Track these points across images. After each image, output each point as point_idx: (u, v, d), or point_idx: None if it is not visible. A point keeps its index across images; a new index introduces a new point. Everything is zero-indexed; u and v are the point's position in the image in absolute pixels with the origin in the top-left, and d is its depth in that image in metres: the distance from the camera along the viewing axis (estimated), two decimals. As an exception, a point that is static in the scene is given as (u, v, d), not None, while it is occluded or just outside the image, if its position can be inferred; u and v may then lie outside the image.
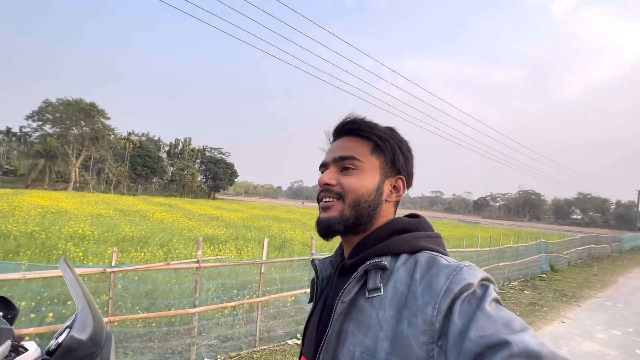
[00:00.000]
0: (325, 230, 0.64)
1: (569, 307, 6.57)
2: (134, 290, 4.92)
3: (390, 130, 0.69)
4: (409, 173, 0.70)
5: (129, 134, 64.86)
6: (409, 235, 0.61)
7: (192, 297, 3.21)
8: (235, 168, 71.30)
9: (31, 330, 2.38)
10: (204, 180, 69.07)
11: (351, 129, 0.68)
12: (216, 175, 67.48)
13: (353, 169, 0.65)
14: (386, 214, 0.66)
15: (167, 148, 74.74)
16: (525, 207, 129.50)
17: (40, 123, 52.33)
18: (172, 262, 3.07)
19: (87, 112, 51.61)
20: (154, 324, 4.07)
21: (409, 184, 0.70)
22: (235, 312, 4.45)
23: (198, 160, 72.43)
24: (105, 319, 2.75)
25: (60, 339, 0.93)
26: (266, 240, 3.74)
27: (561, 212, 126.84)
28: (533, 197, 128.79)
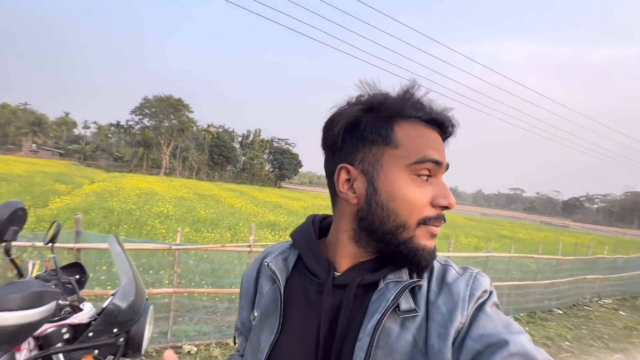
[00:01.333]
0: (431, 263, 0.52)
1: (681, 338, 5.34)
2: (203, 267, 5.53)
3: None
4: None
5: (208, 126, 71.89)
6: None
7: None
8: (300, 158, 73.88)
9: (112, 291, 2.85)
10: (271, 169, 73.20)
11: (449, 133, 0.53)
12: (282, 164, 70.90)
13: None
14: None
15: (239, 139, 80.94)
16: (634, 211, 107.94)
17: (140, 117, 61.29)
18: (227, 245, 3.35)
19: (175, 106, 58.67)
20: (217, 299, 4.52)
21: None
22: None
23: (267, 151, 76.93)
24: (171, 290, 3.15)
25: (106, 304, 1.09)
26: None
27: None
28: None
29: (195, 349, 3.14)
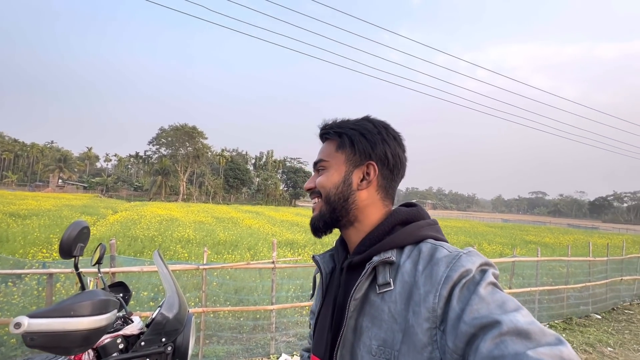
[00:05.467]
0: (313, 228, 0.71)
1: None
2: (226, 287, 5.59)
3: (358, 121, 0.71)
4: (385, 156, 0.67)
5: (222, 150, 73.70)
6: (412, 227, 0.62)
7: (270, 295, 3.51)
8: (313, 176, 74.13)
9: (148, 313, 2.94)
10: (286, 188, 73.67)
11: (323, 134, 0.73)
12: (296, 183, 71.28)
13: (323, 169, 0.71)
14: (367, 202, 0.67)
15: (253, 161, 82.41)
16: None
17: (157, 147, 63.61)
18: (252, 262, 3.43)
19: (190, 134, 60.65)
20: (241, 318, 4.56)
21: (391, 166, 0.68)
22: (311, 313, 4.65)
23: (280, 171, 77.85)
24: (200, 309, 3.22)
25: (154, 316, 1.18)
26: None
27: None
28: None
29: (225, 368, 3.17)
